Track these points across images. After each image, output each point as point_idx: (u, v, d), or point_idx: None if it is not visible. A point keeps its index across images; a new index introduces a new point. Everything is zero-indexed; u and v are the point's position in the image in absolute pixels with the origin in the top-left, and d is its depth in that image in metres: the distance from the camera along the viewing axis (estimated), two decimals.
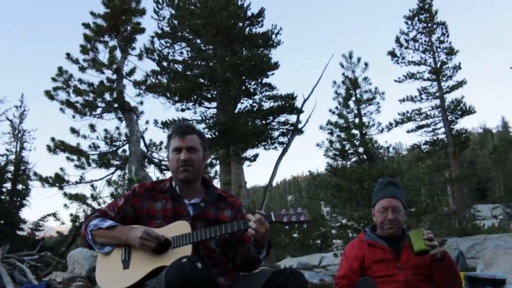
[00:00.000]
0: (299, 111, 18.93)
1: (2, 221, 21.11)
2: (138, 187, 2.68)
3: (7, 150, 23.44)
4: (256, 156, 19.21)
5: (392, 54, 24.84)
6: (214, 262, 2.47)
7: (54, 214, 20.57)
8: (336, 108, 13.45)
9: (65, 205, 10.07)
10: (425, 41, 24.81)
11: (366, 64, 13.54)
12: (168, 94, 18.32)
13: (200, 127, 18.62)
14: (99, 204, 9.78)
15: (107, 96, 10.83)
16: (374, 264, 2.97)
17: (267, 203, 23.59)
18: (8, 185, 22.67)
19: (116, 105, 10.82)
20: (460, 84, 24.18)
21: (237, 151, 18.07)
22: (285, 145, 19.34)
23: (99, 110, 10.91)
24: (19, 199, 22.96)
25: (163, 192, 2.62)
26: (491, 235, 14.94)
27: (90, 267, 10.48)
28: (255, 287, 2.21)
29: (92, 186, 10.11)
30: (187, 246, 2.34)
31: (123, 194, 2.68)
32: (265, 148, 19.87)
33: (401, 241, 3.04)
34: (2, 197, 22.50)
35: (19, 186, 23.01)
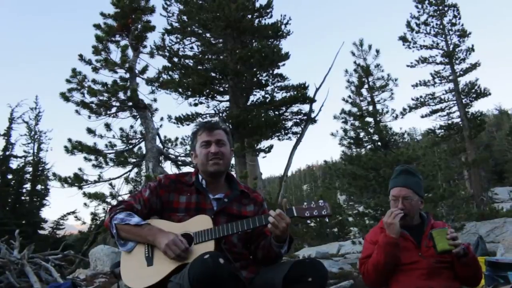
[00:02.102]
0: (311, 101, 18.88)
1: (23, 221, 21.43)
2: (163, 178, 2.69)
3: (25, 151, 23.81)
4: (270, 147, 19.22)
5: (403, 39, 24.49)
6: (236, 256, 2.48)
7: (73, 213, 20.97)
8: (349, 96, 13.42)
9: (85, 204, 10.25)
10: (436, 24, 24.41)
11: (377, 51, 13.45)
12: (180, 90, 18.35)
13: (213, 120, 18.75)
14: (117, 200, 9.89)
15: (121, 95, 10.94)
16: None
17: (283, 194, 23.60)
18: (27, 186, 23.10)
19: (130, 104, 10.93)
20: (474, 66, 23.81)
21: (252, 143, 18.08)
22: (299, 135, 19.34)
23: (114, 109, 11.04)
24: (39, 199, 23.33)
25: (189, 185, 2.64)
26: (510, 218, 14.81)
27: (113, 262, 10.68)
28: (276, 279, 2.22)
29: (110, 184, 10.25)
30: (210, 242, 2.35)
31: (148, 185, 2.68)
32: (279, 139, 19.85)
33: (421, 229, 3.04)
34: (23, 197, 22.90)
35: (39, 187, 23.40)
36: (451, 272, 2.91)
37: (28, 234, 19.28)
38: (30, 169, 23.44)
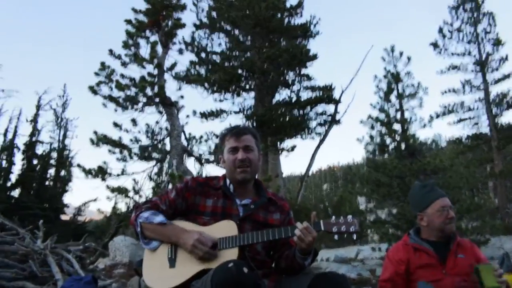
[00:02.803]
0: (337, 102, 18.70)
1: (47, 205, 21.83)
2: (190, 180, 2.68)
3: (51, 137, 24.21)
4: (293, 147, 19.10)
5: (434, 45, 23.85)
6: (259, 264, 2.47)
7: (95, 200, 21.32)
8: (377, 102, 13.15)
9: (108, 197, 10.35)
10: (470, 31, 23.65)
11: (408, 58, 13.14)
12: (206, 85, 18.36)
13: (238, 118, 18.73)
14: (140, 197, 9.99)
15: (148, 91, 10.99)
16: (419, 269, 2.93)
17: (303, 193, 23.50)
18: (52, 171, 23.56)
19: (157, 100, 10.97)
20: (507, 76, 23.06)
21: (275, 142, 18.03)
22: (322, 136, 19.18)
23: (140, 105, 11.10)
24: (62, 185, 23.75)
25: (216, 189, 2.62)
26: None
27: (132, 253, 10.84)
28: None
29: (134, 180, 10.33)
30: (234, 249, 2.34)
31: (175, 187, 2.68)
32: (302, 138, 19.70)
33: (446, 246, 3.00)
34: (46, 183, 23.35)
35: (62, 173, 23.85)
36: None
37: (50, 218, 19.62)
38: (55, 155, 23.86)
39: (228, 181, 2.65)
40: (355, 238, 2.53)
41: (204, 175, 10.76)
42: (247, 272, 2.02)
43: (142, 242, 2.53)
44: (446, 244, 3.02)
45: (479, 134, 24.35)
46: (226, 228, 2.41)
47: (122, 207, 10.48)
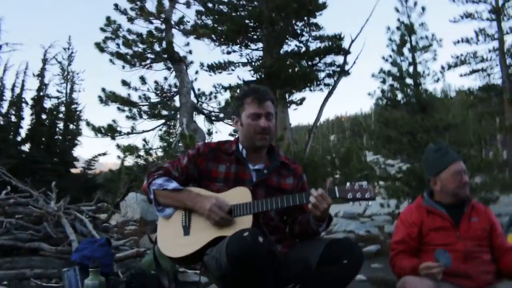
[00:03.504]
0: (346, 52, 18.30)
1: (56, 160, 22.10)
2: (202, 146, 2.66)
3: (58, 91, 24.15)
4: (302, 99, 19.01)
5: None
6: (272, 229, 2.49)
7: (104, 154, 21.56)
8: (390, 56, 12.74)
9: (118, 156, 10.37)
10: None
11: (423, 9, 12.58)
12: (213, 37, 17.98)
13: (246, 69, 18.47)
14: (150, 155, 9.95)
15: (156, 47, 10.74)
16: (432, 231, 2.90)
17: (311, 144, 23.52)
18: (61, 125, 23.70)
19: (165, 56, 10.75)
20: None
21: (283, 95, 17.86)
22: (331, 87, 18.91)
23: (148, 61, 10.90)
24: (71, 138, 23.96)
25: (229, 154, 2.60)
26: None
27: (142, 211, 11.01)
28: (312, 257, 2.21)
29: (144, 140, 10.27)
30: (248, 216, 2.34)
31: (187, 153, 2.66)
32: (310, 90, 19.47)
33: (461, 209, 2.95)
34: (56, 137, 23.54)
35: (71, 126, 24.01)
36: (488, 255, 2.84)
37: (60, 173, 19.89)
38: (63, 109, 23.91)
39: (240, 146, 2.62)
40: (370, 204, 2.54)
41: (214, 133, 10.75)
42: (262, 241, 2.03)
43: (156, 210, 2.52)
44: (460, 207, 2.97)
45: (491, 85, 23.83)
46: (240, 195, 2.41)
47: (133, 165, 10.46)
